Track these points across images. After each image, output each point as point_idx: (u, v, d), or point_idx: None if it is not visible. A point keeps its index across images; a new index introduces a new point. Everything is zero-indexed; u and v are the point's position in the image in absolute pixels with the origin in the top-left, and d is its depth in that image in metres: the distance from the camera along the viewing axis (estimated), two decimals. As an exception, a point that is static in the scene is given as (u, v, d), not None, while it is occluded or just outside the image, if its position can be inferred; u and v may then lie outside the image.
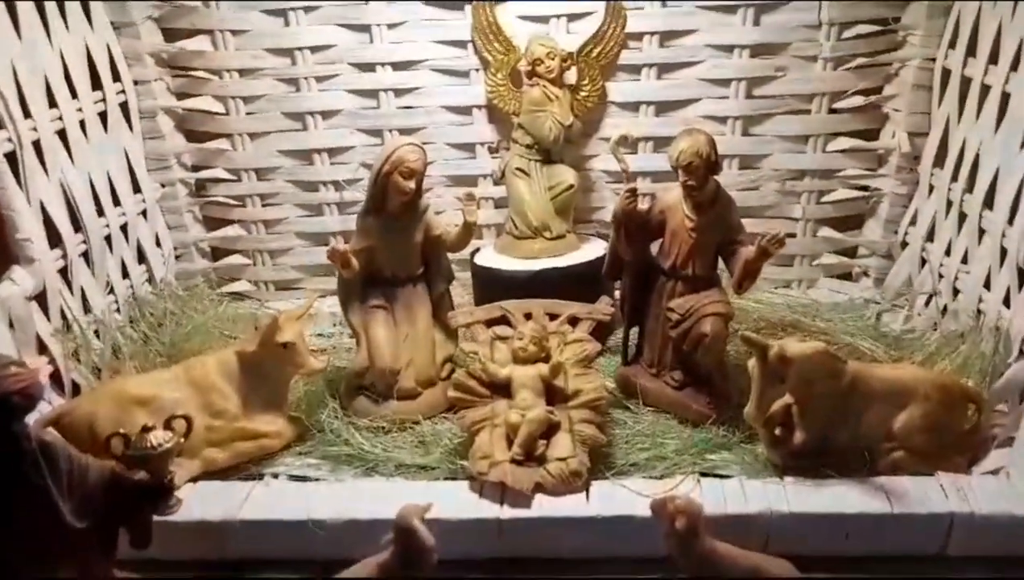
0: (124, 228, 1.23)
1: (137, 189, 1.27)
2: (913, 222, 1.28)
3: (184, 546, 0.94)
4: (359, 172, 1.33)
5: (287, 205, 1.39)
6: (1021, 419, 0.96)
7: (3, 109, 0.92)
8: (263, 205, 1.39)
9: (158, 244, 1.31)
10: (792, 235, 1.37)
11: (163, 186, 1.32)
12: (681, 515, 0.81)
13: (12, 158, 1.00)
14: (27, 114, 1.02)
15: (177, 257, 1.37)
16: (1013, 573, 0.91)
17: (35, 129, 1.02)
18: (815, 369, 0.99)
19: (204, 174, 1.35)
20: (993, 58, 1.09)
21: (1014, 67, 1.03)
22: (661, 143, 1.26)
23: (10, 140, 0.94)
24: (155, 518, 0.87)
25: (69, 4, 1.10)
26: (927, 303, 1.23)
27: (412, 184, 1.06)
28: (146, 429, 0.85)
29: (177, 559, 0.93)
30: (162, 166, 1.31)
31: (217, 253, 1.41)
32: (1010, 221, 1.03)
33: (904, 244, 1.30)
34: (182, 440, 0.87)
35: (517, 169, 1.24)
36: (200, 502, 0.97)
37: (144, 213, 1.27)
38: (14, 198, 0.94)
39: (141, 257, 1.27)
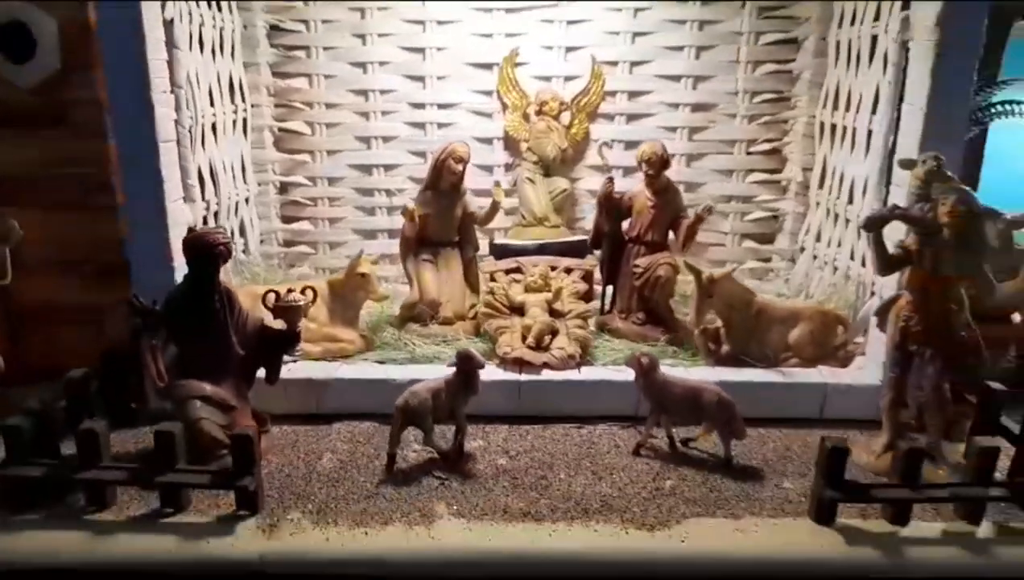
0: (236, 206, 1.65)
1: (245, 182, 1.70)
2: (807, 231, 1.78)
3: (293, 401, 1.31)
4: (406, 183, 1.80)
5: (348, 206, 1.83)
6: (868, 334, 1.41)
7: (191, 98, 1.37)
8: (329, 205, 1.83)
9: (251, 226, 1.73)
10: (722, 245, 1.86)
11: (259, 185, 1.76)
12: (644, 357, 1.22)
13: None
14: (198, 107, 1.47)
15: (260, 241, 1.79)
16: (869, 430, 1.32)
17: (202, 117, 1.46)
18: (732, 293, 1.43)
19: (288, 179, 1.80)
20: (848, 107, 1.63)
21: (857, 110, 1.56)
22: (629, 171, 1.76)
23: (191, 118, 1.38)
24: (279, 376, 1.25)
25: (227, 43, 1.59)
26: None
27: (460, 168, 1.52)
28: (289, 290, 1.23)
29: (288, 413, 1.30)
30: (260, 169, 1.76)
31: (289, 243, 1.84)
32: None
33: (802, 249, 1.79)
34: (311, 303, 1.25)
35: (527, 178, 1.71)
36: (305, 370, 1.34)
37: (247, 200, 1.70)
38: (190, 156, 1.37)
39: (241, 232, 1.69)
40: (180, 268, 1.22)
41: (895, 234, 1.16)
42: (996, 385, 1.19)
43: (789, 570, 0.99)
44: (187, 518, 1.03)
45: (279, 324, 1.21)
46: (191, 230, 1.16)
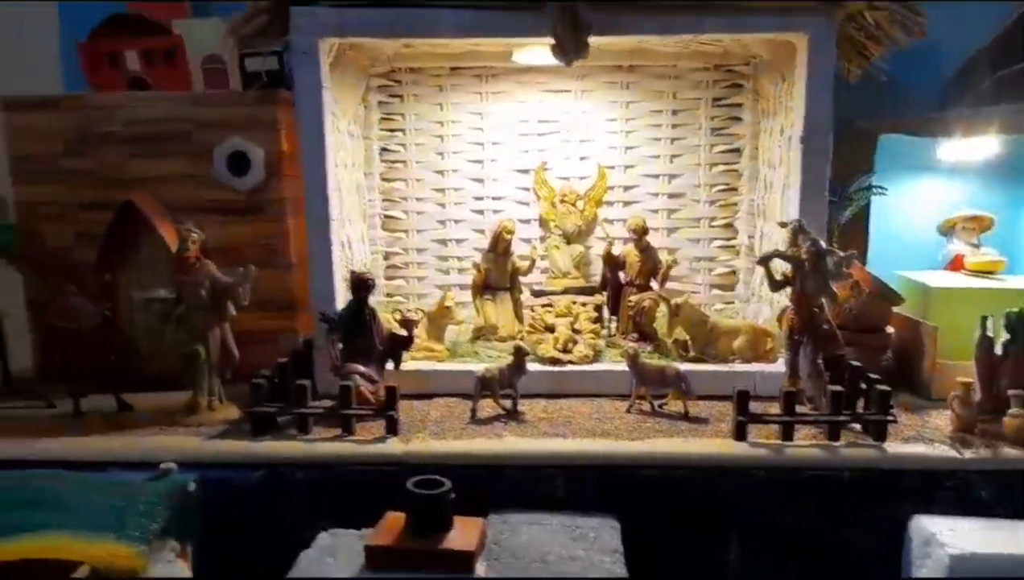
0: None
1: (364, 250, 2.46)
2: (754, 280, 2.48)
3: (409, 384, 2.00)
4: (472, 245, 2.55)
5: (430, 269, 2.51)
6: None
7: (341, 196, 2.16)
8: (417, 268, 2.58)
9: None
10: (697, 293, 2.57)
11: (371, 254, 2.53)
12: (631, 349, 1.92)
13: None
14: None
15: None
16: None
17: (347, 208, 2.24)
18: (691, 314, 2.13)
19: (389, 249, 2.54)
20: (770, 192, 2.36)
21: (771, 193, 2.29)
22: (624, 240, 2.49)
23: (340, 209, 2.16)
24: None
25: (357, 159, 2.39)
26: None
27: (509, 237, 2.27)
28: (408, 310, 1.96)
29: (405, 392, 1.98)
30: (372, 243, 2.51)
31: (390, 294, 2.57)
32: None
33: (752, 293, 2.49)
34: (421, 319, 1.98)
35: (554, 245, 2.46)
36: (415, 365, 2.03)
37: (365, 263, 2.46)
38: (341, 231, 2.13)
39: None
40: (338, 301, 1.97)
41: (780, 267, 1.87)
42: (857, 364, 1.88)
43: (718, 462, 1.66)
44: (356, 437, 1.74)
45: (402, 331, 1.94)
46: (353, 272, 1.92)
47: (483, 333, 2.23)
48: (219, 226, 2.04)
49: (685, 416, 1.85)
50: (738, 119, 2.44)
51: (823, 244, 1.76)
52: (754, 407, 1.72)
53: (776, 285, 1.83)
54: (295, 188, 2.14)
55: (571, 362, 2.03)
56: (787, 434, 1.71)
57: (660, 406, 1.92)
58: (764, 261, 1.82)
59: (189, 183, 2.10)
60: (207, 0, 2.57)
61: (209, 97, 2.10)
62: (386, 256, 2.54)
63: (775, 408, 1.78)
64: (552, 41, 1.78)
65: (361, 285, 1.87)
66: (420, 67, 2.42)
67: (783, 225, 1.87)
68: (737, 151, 2.45)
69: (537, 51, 2.07)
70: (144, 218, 2.02)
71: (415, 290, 2.55)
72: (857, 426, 1.76)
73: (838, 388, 1.72)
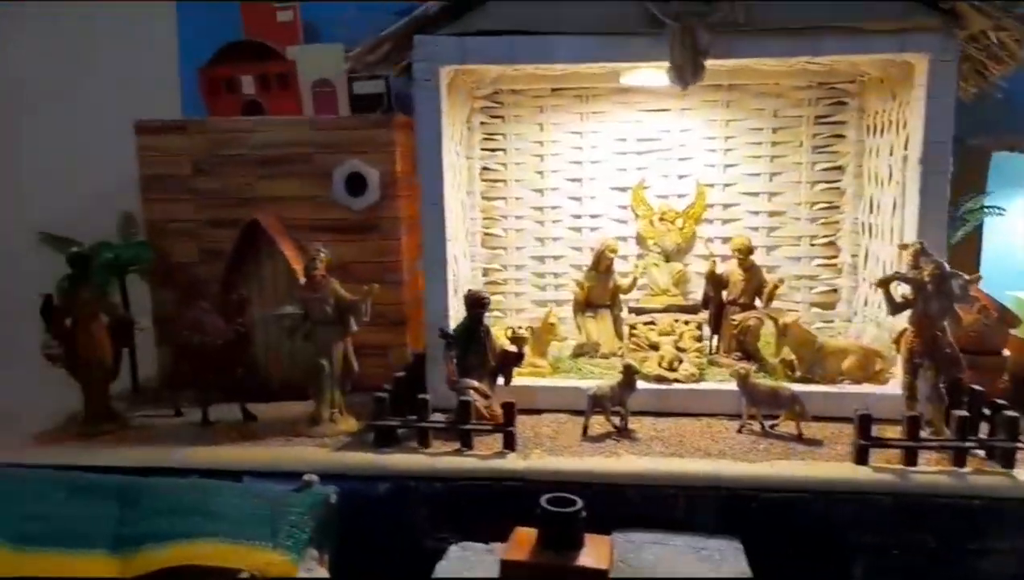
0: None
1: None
2: (857, 300, 2.45)
3: (518, 399, 2.05)
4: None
5: (527, 284, 2.59)
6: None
7: (448, 213, 2.22)
8: (515, 284, 2.63)
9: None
10: (797, 311, 2.55)
11: (471, 270, 2.59)
12: (742, 369, 1.92)
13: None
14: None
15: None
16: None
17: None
18: (799, 334, 2.12)
19: (488, 265, 2.61)
20: (878, 212, 2.33)
21: (880, 214, 2.26)
22: (724, 258, 2.50)
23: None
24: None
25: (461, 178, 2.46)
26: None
27: (612, 256, 2.30)
28: (518, 327, 2.01)
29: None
30: (473, 259, 2.59)
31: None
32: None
33: (855, 312, 2.45)
34: (529, 337, 2.02)
35: (653, 263, 2.47)
36: (522, 381, 2.06)
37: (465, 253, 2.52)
38: (450, 248, 2.19)
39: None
40: (451, 317, 2.03)
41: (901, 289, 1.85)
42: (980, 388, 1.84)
43: (838, 486, 1.65)
44: (475, 452, 1.79)
45: (513, 348, 1.99)
46: (469, 291, 1.97)
47: (585, 350, 2.26)
48: (334, 244, 2.12)
49: (799, 438, 1.85)
50: (841, 136, 2.42)
51: (947, 266, 1.74)
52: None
53: (896, 308, 1.81)
54: (406, 207, 2.21)
55: (677, 380, 2.05)
56: (910, 459, 1.68)
57: (771, 427, 1.91)
58: (884, 283, 1.80)
59: (308, 203, 2.19)
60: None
61: (328, 121, 2.19)
62: (485, 272, 2.59)
63: (890, 431, 1.76)
64: (669, 65, 1.80)
65: (477, 303, 1.92)
66: (522, 88, 2.47)
67: (904, 247, 1.85)
68: (840, 169, 2.43)
69: (646, 73, 2.10)
70: (267, 236, 2.12)
71: (512, 305, 2.60)
72: (981, 452, 1.73)
73: (964, 413, 1.70)
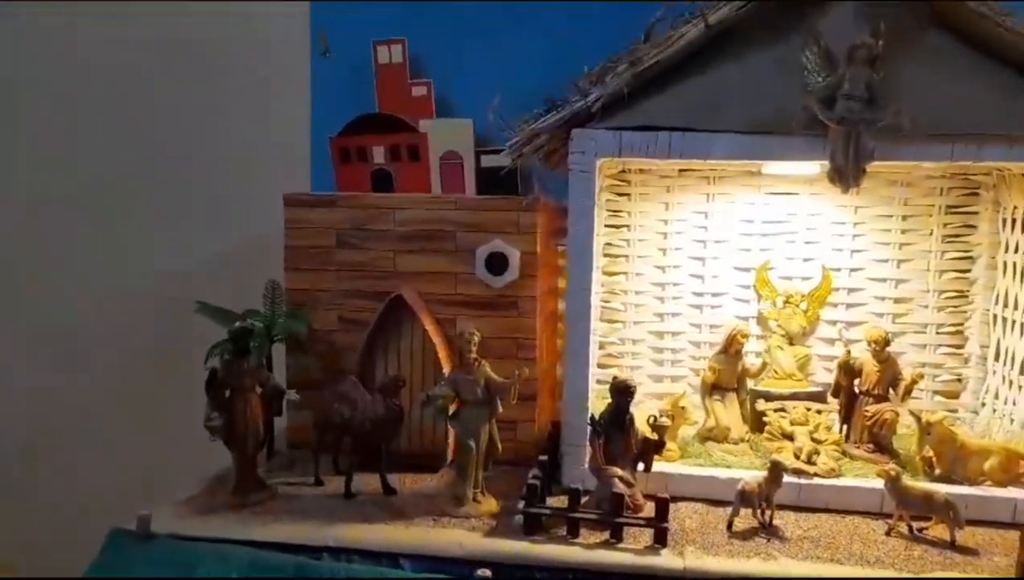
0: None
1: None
2: (987, 391, 2.41)
3: (652, 486, 2.05)
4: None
5: (645, 359, 2.62)
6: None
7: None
8: (632, 358, 2.65)
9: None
10: (919, 398, 2.52)
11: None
12: (893, 470, 1.91)
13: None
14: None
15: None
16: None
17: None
18: (942, 433, 2.09)
19: (605, 339, 2.63)
20: (1014, 306, 2.31)
21: (1017, 308, 2.24)
22: (849, 342, 2.49)
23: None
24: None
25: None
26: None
27: (744, 341, 2.31)
28: (660, 413, 2.02)
29: (648, 494, 2.04)
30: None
31: (601, 381, 2.66)
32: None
33: (983, 404, 2.42)
34: (670, 425, 2.04)
35: (777, 346, 2.48)
36: (658, 467, 2.09)
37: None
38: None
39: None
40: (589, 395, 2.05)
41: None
42: None
43: (1005, 605, 1.62)
44: (625, 545, 1.80)
45: (654, 435, 2.00)
46: (615, 378, 1.99)
47: (712, 434, 2.26)
48: (471, 320, 2.16)
49: (952, 545, 1.82)
50: (972, 227, 2.41)
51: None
52: (1015, 537, 1.67)
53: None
54: (540, 287, 2.25)
55: (816, 475, 2.03)
56: (1081, 578, 1.65)
57: (920, 531, 1.88)
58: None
59: (449, 279, 2.24)
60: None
61: (472, 201, 2.25)
62: (602, 345, 2.61)
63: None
64: (829, 167, 1.82)
65: (624, 392, 1.94)
66: (649, 168, 2.51)
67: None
68: (970, 258, 2.42)
69: (789, 163, 2.12)
70: (409, 310, 2.17)
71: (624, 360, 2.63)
72: None
73: None
